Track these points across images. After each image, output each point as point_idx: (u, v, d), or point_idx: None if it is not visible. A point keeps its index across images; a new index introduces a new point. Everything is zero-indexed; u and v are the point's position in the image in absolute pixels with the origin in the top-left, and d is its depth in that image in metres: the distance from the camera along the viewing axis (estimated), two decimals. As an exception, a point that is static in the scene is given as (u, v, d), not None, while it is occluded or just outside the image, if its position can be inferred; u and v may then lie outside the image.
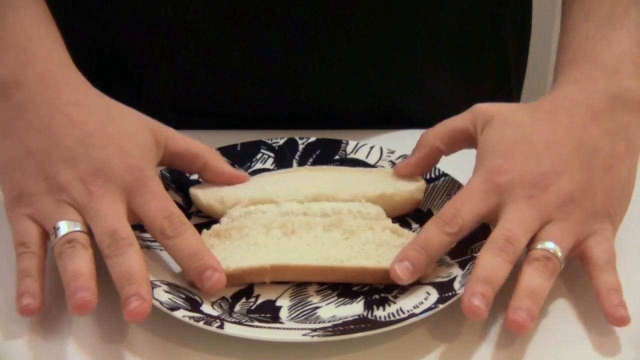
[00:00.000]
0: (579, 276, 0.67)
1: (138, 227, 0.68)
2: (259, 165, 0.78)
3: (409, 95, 0.89)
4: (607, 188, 0.66)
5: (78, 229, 0.62)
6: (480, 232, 0.67)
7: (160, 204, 0.65)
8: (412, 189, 0.72)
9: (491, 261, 0.61)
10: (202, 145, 0.73)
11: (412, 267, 0.63)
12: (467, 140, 0.71)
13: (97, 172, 0.64)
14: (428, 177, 0.75)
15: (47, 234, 0.63)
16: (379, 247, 0.66)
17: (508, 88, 0.97)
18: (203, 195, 0.72)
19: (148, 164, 0.67)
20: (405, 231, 0.68)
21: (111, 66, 0.84)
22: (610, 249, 0.65)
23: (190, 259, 0.63)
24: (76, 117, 0.66)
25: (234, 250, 0.66)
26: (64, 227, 0.62)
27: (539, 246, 0.63)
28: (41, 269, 0.63)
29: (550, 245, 0.63)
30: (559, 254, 0.63)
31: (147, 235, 0.68)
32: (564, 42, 0.76)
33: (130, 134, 0.67)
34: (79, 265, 0.60)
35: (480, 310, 0.59)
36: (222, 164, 0.73)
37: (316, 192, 0.71)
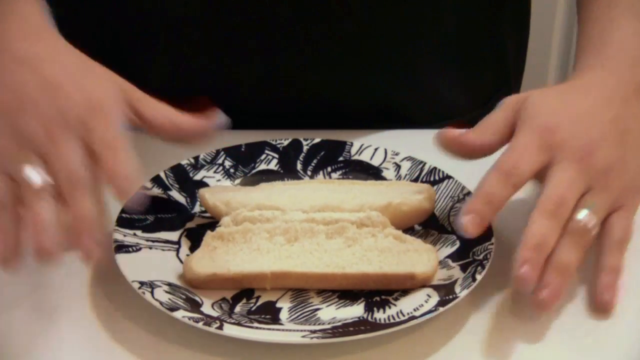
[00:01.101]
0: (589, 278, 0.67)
1: (140, 227, 0.68)
2: (263, 166, 0.78)
3: (408, 95, 0.89)
4: (638, 165, 0.68)
5: (38, 176, 0.62)
6: (481, 236, 0.66)
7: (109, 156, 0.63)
8: (420, 198, 0.71)
9: (543, 227, 0.63)
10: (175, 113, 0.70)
11: (479, 219, 0.64)
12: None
13: (56, 114, 0.64)
14: (432, 179, 0.75)
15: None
16: (381, 254, 0.65)
17: (507, 87, 0.97)
18: (210, 196, 0.72)
19: (110, 102, 0.66)
20: (408, 237, 0.67)
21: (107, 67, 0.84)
22: (628, 228, 0.66)
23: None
24: (43, 68, 0.66)
25: (236, 253, 0.65)
26: (27, 174, 0.62)
27: (579, 216, 0.64)
28: (15, 220, 0.62)
29: (589, 215, 0.64)
30: (595, 224, 0.64)
31: (149, 235, 0.68)
32: (587, 29, 0.77)
33: (96, 78, 0.67)
34: (42, 215, 0.61)
35: (530, 280, 0.61)
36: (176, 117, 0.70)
37: (322, 203, 0.70)
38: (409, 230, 0.71)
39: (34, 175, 0.62)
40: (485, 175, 0.66)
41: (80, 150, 0.63)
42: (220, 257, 0.65)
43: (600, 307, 0.63)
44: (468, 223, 0.64)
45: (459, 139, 0.69)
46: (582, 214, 0.64)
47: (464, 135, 0.69)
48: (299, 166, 0.79)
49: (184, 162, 0.76)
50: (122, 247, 0.65)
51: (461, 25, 0.88)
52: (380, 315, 0.62)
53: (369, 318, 0.62)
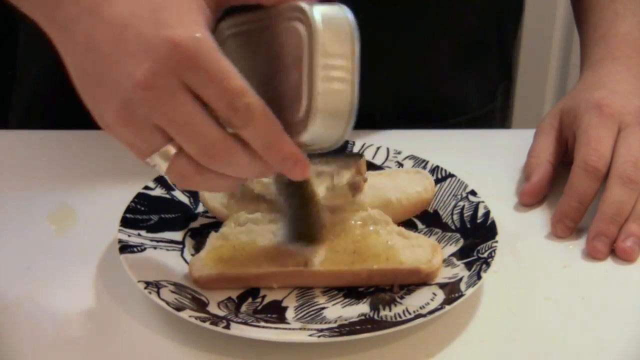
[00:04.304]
0: (597, 281, 0.67)
1: (144, 227, 0.68)
2: (265, 166, 0.78)
3: (425, 93, 0.89)
4: None
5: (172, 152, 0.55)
6: (485, 234, 0.67)
7: (217, 89, 0.53)
8: (419, 190, 0.72)
9: (621, 194, 0.68)
10: None
11: (571, 223, 0.70)
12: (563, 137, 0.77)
13: (142, 72, 0.53)
14: (435, 177, 0.75)
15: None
16: (386, 250, 0.66)
17: (509, 79, 1.00)
18: (210, 197, 0.72)
19: (191, 27, 0.53)
20: (412, 233, 0.68)
21: None
22: None
23: (267, 151, 0.55)
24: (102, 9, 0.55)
25: (241, 253, 0.66)
26: (160, 162, 0.56)
27: None
28: None
29: None
30: None
31: (153, 235, 0.68)
32: (592, 19, 0.82)
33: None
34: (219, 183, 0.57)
35: (601, 254, 0.67)
36: None
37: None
38: (413, 228, 0.71)
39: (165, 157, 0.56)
40: (573, 175, 0.70)
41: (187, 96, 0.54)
42: (226, 256, 0.65)
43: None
44: (559, 230, 0.70)
45: (534, 189, 0.75)
46: None
47: (534, 183, 0.75)
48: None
49: (187, 162, 0.76)
50: (126, 248, 0.65)
51: (477, 22, 0.90)
52: (386, 313, 0.62)
53: (375, 316, 0.62)
